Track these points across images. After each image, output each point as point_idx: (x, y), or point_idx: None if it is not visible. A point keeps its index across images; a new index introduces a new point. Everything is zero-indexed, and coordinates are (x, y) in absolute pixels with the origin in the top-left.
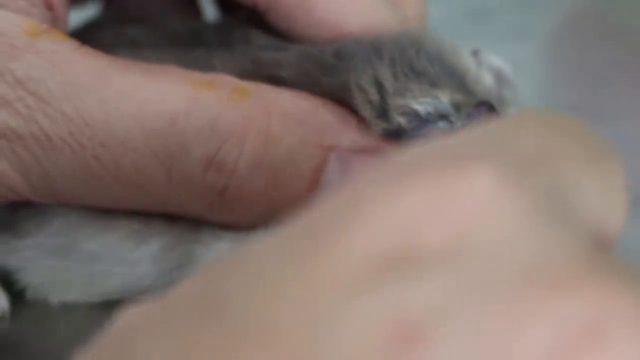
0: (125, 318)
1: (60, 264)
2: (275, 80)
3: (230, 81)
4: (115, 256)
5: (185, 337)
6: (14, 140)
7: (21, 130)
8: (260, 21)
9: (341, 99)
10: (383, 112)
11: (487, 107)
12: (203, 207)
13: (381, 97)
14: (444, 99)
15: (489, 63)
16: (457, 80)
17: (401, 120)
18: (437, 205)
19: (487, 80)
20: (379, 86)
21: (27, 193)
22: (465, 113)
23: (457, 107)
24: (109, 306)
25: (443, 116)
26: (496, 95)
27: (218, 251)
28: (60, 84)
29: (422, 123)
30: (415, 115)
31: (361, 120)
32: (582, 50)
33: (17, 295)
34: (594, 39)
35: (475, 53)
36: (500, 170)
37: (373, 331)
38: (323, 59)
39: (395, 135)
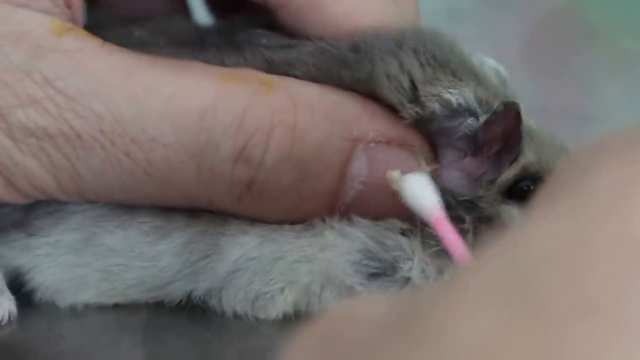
0: None
1: (75, 259)
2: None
3: (257, 74)
4: (134, 250)
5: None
6: (44, 139)
7: (51, 129)
8: (262, 22)
9: (365, 91)
10: (415, 98)
11: (515, 108)
12: (231, 200)
13: (412, 84)
14: (469, 93)
15: (485, 64)
16: (473, 73)
17: (435, 107)
18: None
19: (492, 78)
20: (408, 75)
21: (55, 193)
22: (487, 109)
23: (480, 103)
24: (118, 310)
25: (471, 112)
26: (502, 93)
27: (243, 245)
28: (89, 82)
29: (453, 114)
30: (447, 104)
31: (387, 111)
32: (562, 51)
33: (25, 299)
34: (573, 39)
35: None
36: None
37: None
38: (340, 53)
39: (425, 124)
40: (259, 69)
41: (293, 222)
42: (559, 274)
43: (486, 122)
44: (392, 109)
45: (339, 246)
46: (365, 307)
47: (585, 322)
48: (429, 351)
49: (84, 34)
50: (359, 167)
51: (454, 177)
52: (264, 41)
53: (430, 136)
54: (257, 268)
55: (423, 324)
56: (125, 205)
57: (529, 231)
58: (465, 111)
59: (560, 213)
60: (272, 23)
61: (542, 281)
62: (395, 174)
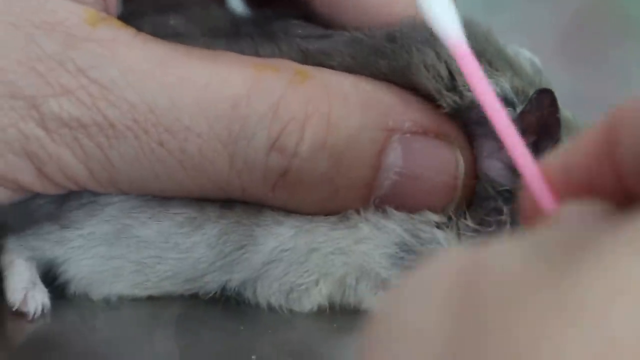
0: None
1: (109, 251)
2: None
3: (291, 64)
4: (169, 242)
5: None
6: (77, 129)
7: (84, 118)
8: (297, 13)
9: (402, 81)
10: (453, 87)
11: (549, 95)
12: (265, 190)
13: (449, 74)
14: (506, 83)
15: (520, 54)
16: (509, 63)
17: (473, 96)
18: None
19: (528, 68)
20: (446, 64)
21: (88, 183)
22: (524, 99)
23: (517, 92)
24: (152, 303)
25: (508, 101)
26: (538, 83)
27: (278, 236)
28: (122, 72)
29: None
30: None
31: (423, 101)
32: (598, 43)
33: (58, 292)
34: (609, 31)
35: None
36: None
37: None
38: (376, 43)
39: (463, 113)
40: (294, 59)
41: (327, 214)
42: None
43: (522, 112)
44: (428, 100)
45: (374, 239)
46: (501, 261)
47: None
48: (586, 334)
49: (118, 23)
50: (394, 157)
51: (495, 167)
52: (299, 31)
53: (469, 126)
54: (291, 259)
55: (580, 303)
56: (159, 197)
57: None
58: (502, 101)
59: None
60: (307, 14)
61: None
62: None
